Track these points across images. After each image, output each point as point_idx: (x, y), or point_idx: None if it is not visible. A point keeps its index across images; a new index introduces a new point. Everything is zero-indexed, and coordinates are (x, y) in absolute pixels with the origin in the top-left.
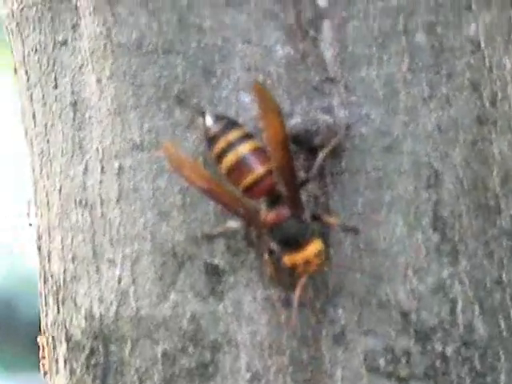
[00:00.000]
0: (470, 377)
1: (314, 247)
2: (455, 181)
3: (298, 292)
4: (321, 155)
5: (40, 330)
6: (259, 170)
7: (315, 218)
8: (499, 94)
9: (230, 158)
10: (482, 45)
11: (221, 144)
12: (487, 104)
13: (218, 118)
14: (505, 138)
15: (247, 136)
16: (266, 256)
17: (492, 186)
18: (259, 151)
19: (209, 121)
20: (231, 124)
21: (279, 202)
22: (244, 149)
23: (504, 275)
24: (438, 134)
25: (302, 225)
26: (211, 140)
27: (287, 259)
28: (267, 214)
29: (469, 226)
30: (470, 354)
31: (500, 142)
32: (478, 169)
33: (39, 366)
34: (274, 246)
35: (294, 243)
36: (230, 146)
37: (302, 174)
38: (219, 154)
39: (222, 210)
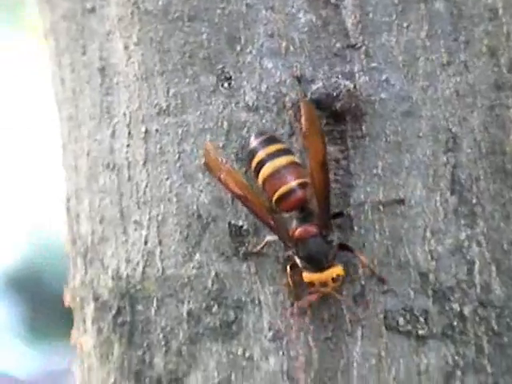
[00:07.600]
0: (487, 336)
1: (334, 271)
2: (473, 145)
3: (304, 303)
4: None
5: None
6: (292, 182)
7: (342, 247)
8: None
9: (266, 170)
10: (500, 12)
11: (259, 157)
12: (504, 70)
13: (259, 133)
14: None
15: (285, 151)
16: (289, 269)
17: (509, 149)
18: (295, 166)
19: (251, 137)
20: (271, 139)
21: (309, 219)
22: (281, 162)
23: None
24: (456, 99)
25: (326, 245)
26: (251, 153)
27: (306, 276)
28: (295, 229)
29: (486, 188)
30: (487, 314)
31: None
32: (495, 133)
33: (67, 334)
34: (297, 259)
35: (316, 262)
36: (268, 159)
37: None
38: (257, 166)
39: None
